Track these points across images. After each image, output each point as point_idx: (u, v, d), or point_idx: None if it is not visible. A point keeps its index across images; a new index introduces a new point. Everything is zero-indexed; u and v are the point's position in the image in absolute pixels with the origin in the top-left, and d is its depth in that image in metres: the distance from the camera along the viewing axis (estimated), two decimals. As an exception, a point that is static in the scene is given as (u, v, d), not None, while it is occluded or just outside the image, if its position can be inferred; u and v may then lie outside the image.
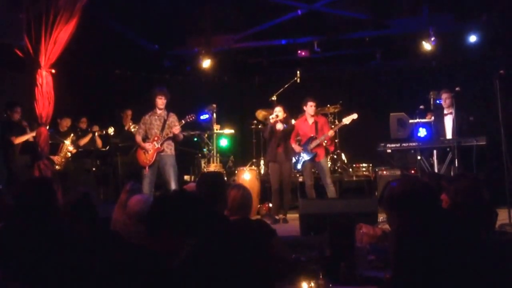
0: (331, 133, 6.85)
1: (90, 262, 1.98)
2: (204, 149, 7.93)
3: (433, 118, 6.92)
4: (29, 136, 6.68)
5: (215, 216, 2.90)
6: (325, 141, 6.96)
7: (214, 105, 7.98)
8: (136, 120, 7.39)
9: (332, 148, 7.75)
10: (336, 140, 8.01)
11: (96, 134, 7.52)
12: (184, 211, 2.03)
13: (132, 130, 7.36)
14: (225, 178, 7.22)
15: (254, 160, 8.13)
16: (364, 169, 8.07)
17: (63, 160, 7.16)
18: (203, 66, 8.57)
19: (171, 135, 6.38)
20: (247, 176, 7.29)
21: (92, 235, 2.63)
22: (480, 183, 3.11)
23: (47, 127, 6.09)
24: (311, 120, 6.96)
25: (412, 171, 6.89)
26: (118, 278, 1.84)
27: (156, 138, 6.40)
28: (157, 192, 6.74)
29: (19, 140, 6.68)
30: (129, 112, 7.93)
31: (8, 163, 6.86)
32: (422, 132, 6.74)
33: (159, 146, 6.36)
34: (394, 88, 9.13)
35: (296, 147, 6.96)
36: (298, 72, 8.44)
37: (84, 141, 7.61)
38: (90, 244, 2.34)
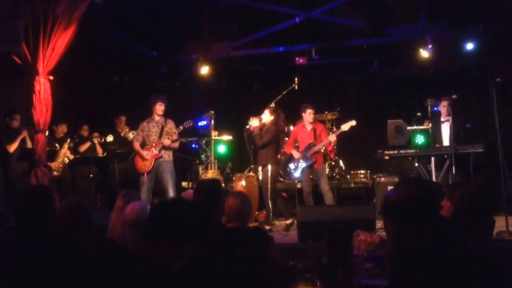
0: (332, 137, 6.81)
1: (86, 270, 1.97)
2: (202, 156, 7.93)
3: (430, 125, 6.94)
4: (21, 136, 6.66)
5: (212, 223, 2.90)
6: (323, 148, 6.96)
7: (212, 112, 7.99)
8: (132, 126, 7.39)
9: (332, 155, 7.74)
10: (334, 147, 8.03)
11: (96, 142, 7.53)
12: (181, 218, 2.02)
13: (131, 136, 7.36)
14: (223, 185, 7.24)
15: (252, 167, 8.13)
16: (362, 176, 8.06)
17: (60, 166, 7.14)
18: (201, 73, 8.59)
19: (169, 143, 6.38)
20: (245, 182, 7.28)
21: (86, 242, 2.62)
22: (484, 190, 3.11)
23: (45, 134, 6.10)
24: (309, 127, 6.97)
25: (410, 178, 6.89)
26: (113, 286, 1.84)
27: (154, 145, 6.40)
28: (155, 199, 6.73)
29: (13, 146, 6.67)
30: (123, 118, 7.93)
31: (5, 170, 6.85)
32: (419, 139, 6.76)
33: (157, 152, 6.36)
34: (392, 95, 9.16)
35: (295, 153, 6.97)
36: (296, 79, 8.46)
37: (83, 148, 7.61)
38: (85, 252, 2.33)
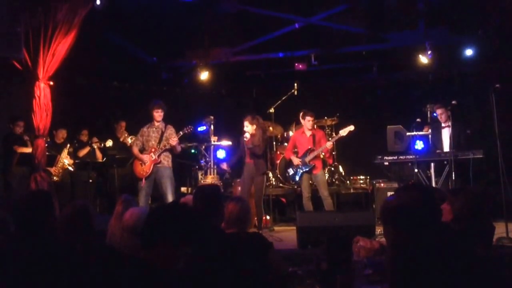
0: (329, 144, 6.87)
1: (85, 275, 1.96)
2: (202, 161, 7.92)
3: (430, 131, 6.94)
4: (29, 150, 6.69)
5: (211, 229, 2.89)
6: (323, 153, 6.97)
7: (212, 117, 7.99)
8: (132, 131, 7.39)
9: (330, 161, 7.75)
10: (333, 153, 8.03)
11: (96, 147, 7.53)
12: (178, 223, 2.02)
13: (129, 141, 7.36)
14: (222, 190, 7.23)
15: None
16: (361, 181, 8.05)
17: (60, 171, 7.14)
18: (201, 78, 8.61)
19: (168, 147, 6.38)
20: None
21: (87, 248, 2.62)
22: (484, 196, 3.11)
23: (45, 139, 6.10)
24: (308, 133, 6.98)
25: (409, 184, 6.88)
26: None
27: (153, 150, 6.39)
28: (153, 205, 6.72)
29: (21, 150, 6.70)
30: (123, 124, 7.94)
31: (5, 174, 6.86)
32: (419, 145, 6.76)
33: (156, 157, 6.35)
34: (391, 101, 9.17)
35: (294, 159, 6.97)
36: (295, 84, 8.48)
37: (83, 152, 7.60)
38: (85, 257, 2.33)
